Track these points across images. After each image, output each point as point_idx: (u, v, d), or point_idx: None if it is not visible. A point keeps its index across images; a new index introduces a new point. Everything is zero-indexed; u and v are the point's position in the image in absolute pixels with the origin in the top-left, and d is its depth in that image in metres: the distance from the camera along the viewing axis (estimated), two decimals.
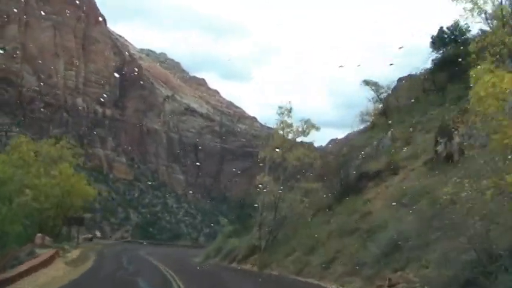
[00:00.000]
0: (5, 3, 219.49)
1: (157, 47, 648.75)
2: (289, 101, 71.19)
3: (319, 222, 50.71)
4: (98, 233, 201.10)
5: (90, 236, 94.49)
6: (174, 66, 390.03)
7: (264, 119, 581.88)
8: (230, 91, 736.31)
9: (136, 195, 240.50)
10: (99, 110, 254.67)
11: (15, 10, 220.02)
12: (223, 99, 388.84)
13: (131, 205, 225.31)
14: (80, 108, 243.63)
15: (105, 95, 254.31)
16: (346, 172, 54.08)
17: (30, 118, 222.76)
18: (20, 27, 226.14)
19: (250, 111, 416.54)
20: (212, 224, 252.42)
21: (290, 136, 60.18)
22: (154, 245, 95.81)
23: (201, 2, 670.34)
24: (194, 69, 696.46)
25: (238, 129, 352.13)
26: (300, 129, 60.32)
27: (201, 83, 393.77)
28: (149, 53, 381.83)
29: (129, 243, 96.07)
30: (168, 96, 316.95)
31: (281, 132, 60.77)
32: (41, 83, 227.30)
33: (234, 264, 61.00)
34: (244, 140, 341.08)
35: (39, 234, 61.44)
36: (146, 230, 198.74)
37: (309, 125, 60.52)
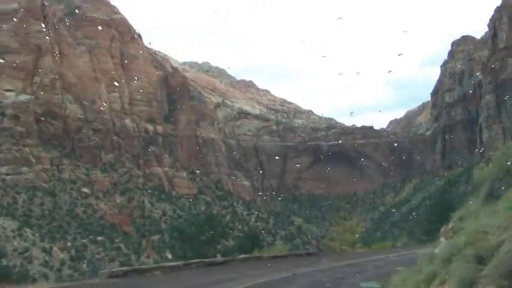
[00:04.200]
0: (34, 36, 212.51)
1: (199, 58, 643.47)
2: None
3: None
4: (170, 255, 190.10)
5: None
6: (220, 73, 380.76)
7: (321, 111, 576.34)
8: (280, 90, 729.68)
9: (202, 208, 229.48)
10: (150, 127, 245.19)
11: (47, 39, 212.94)
12: (275, 97, 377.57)
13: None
14: (130, 129, 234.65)
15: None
16: None
17: (80, 148, 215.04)
18: (54, 57, 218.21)
19: (305, 105, 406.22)
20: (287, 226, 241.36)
21: None
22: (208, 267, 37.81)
23: (236, 9, 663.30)
24: (241, 73, 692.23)
25: (296, 125, 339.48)
26: None
27: (250, 85, 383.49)
28: (192, 64, 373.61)
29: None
30: (218, 103, 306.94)
31: None
32: (85, 110, 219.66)
33: None
34: (303, 134, 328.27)
35: None
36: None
37: None
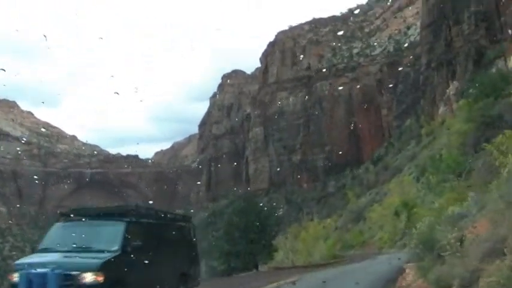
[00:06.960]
0: None
1: None
2: None
3: None
4: None
5: None
6: None
7: (85, 137, 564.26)
8: (45, 113, 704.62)
9: None
10: None
11: None
12: (39, 120, 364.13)
13: None
14: None
15: None
16: None
17: None
18: None
19: (69, 130, 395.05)
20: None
21: None
22: None
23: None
24: (3, 93, 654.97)
25: (59, 150, 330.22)
26: None
27: (12, 105, 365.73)
28: None
29: None
30: None
31: None
32: None
33: None
34: (66, 160, 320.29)
35: None
36: None
37: None
